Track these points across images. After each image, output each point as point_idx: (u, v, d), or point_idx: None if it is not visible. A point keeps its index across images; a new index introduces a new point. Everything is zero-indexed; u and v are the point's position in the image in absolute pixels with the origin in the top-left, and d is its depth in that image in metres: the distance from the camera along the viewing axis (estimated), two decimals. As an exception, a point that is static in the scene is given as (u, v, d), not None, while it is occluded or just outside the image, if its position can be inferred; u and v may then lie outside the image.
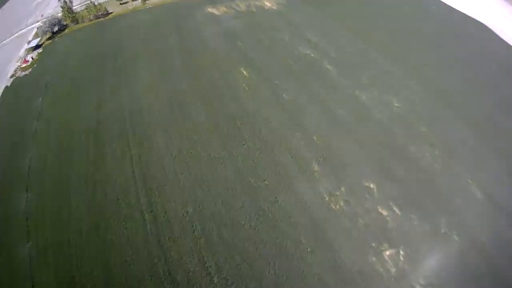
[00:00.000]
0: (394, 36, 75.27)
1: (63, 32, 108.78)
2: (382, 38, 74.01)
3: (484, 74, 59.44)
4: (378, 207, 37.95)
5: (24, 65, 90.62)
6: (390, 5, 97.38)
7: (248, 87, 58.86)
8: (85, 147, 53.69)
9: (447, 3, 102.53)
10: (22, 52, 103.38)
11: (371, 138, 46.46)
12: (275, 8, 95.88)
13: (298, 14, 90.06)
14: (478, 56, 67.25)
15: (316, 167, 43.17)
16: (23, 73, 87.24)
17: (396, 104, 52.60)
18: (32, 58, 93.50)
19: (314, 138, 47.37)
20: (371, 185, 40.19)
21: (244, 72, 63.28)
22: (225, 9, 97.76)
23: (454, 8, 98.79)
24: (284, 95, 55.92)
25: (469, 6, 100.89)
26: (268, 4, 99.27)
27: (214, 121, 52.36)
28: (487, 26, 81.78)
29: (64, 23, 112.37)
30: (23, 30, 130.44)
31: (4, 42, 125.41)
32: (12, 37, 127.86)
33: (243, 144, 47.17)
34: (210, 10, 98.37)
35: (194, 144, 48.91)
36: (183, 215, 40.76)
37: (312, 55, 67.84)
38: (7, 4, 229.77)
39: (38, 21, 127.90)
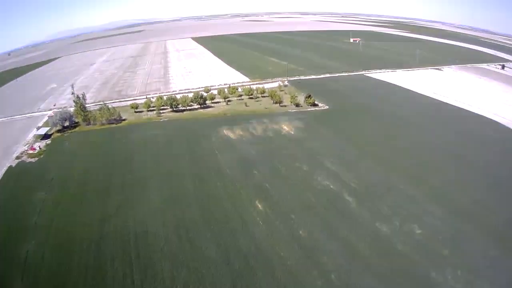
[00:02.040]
0: (413, 156, 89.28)
1: (74, 130, 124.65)
2: (402, 160, 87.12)
3: (505, 179, 74.26)
4: None
5: (31, 151, 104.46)
6: (406, 120, 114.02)
7: (262, 221, 66.49)
8: (85, 259, 59.25)
9: (464, 107, 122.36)
10: (30, 136, 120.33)
11: (391, 271, 53.12)
12: (292, 133, 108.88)
13: (316, 139, 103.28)
14: (498, 158, 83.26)
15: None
16: (29, 159, 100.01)
17: (417, 231, 61.07)
18: (40, 148, 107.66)
19: (332, 276, 53.14)
20: None
21: (259, 206, 71.69)
22: (241, 132, 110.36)
23: (472, 112, 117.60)
24: (300, 232, 63.24)
25: (488, 107, 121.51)
26: (285, 128, 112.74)
27: (225, 256, 58.16)
28: (506, 126, 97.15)
29: (76, 120, 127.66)
30: (34, 113, 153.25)
31: (14, 117, 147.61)
32: (23, 116, 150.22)
33: (255, 284, 52.38)
34: (226, 132, 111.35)
35: (202, 279, 53.93)
36: None
37: (331, 186, 77.54)
38: (21, 78, 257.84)
39: (50, 110, 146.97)
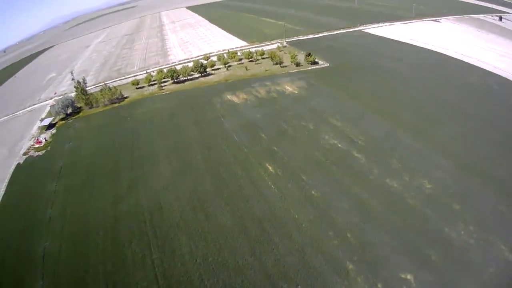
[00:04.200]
0: (417, 110, 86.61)
1: (77, 115, 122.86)
2: (406, 115, 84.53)
3: (510, 133, 72.11)
4: (416, 297, 42.47)
5: (37, 145, 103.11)
6: (407, 74, 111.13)
7: (274, 185, 65.08)
8: (102, 244, 58.57)
9: (464, 60, 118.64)
10: (34, 129, 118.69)
11: (405, 227, 51.83)
12: (296, 92, 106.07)
13: (320, 97, 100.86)
14: (503, 112, 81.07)
15: (350, 266, 47.21)
16: (36, 153, 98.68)
17: (428, 186, 59.37)
18: (45, 140, 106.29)
19: (348, 235, 52.03)
20: (408, 276, 44.33)
21: (270, 168, 70.27)
22: (245, 96, 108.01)
23: (473, 65, 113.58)
24: (312, 192, 61.85)
25: (488, 60, 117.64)
26: (288, 88, 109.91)
27: (241, 223, 57.31)
28: (507, 79, 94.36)
29: (78, 105, 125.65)
30: (35, 105, 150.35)
31: (17, 114, 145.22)
32: (25, 110, 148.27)
33: (273, 249, 51.53)
34: (229, 97, 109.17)
35: (220, 249, 53.17)
36: (212, 328, 44.31)
37: (339, 144, 75.43)
38: (20, 73, 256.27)
39: (51, 98, 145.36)
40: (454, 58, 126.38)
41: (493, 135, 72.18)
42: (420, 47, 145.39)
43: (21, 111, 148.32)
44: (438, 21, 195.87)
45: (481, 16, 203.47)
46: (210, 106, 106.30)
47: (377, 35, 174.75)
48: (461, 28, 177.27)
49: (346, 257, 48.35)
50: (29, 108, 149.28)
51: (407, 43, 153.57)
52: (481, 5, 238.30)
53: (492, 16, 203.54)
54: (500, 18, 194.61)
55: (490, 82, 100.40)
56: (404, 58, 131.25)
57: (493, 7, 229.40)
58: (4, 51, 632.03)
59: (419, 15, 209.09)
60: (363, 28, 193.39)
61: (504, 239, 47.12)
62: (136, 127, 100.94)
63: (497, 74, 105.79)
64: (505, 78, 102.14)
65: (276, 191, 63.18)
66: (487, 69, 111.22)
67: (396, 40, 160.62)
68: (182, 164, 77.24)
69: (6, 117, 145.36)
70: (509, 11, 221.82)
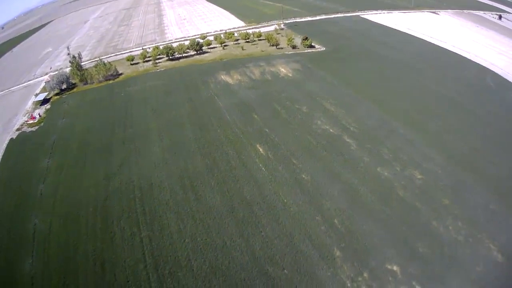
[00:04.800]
0: (412, 100, 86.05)
1: (72, 91, 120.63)
2: (401, 104, 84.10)
3: (502, 130, 72.05)
4: (400, 289, 42.45)
5: (31, 121, 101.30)
6: (403, 64, 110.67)
7: (265, 167, 64.69)
8: (92, 221, 58.21)
9: (462, 54, 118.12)
10: (29, 104, 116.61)
11: (394, 217, 51.82)
12: (290, 75, 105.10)
13: (314, 81, 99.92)
14: (498, 110, 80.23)
15: (337, 253, 47.33)
16: (30, 129, 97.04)
17: (418, 177, 59.26)
18: (39, 115, 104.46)
19: (335, 221, 52.02)
20: (394, 268, 44.54)
21: (261, 150, 69.75)
22: (239, 76, 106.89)
23: (470, 60, 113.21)
24: (303, 176, 61.55)
25: (485, 56, 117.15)
26: (283, 70, 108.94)
27: (230, 205, 57.09)
28: (503, 77, 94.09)
29: (73, 81, 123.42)
30: (31, 81, 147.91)
31: (12, 89, 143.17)
32: (20, 86, 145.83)
33: (261, 231, 51.51)
34: (223, 77, 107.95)
35: (209, 229, 53.14)
36: (197, 306, 44.31)
37: (331, 130, 74.84)
38: (17, 48, 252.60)
39: (46, 74, 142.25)
40: (451, 51, 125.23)
41: (488, 131, 71.80)
42: (417, 37, 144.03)
43: (16, 87, 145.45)
44: (436, 13, 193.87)
45: (480, 13, 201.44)
46: (204, 85, 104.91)
47: (375, 22, 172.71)
48: (459, 22, 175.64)
49: (334, 244, 48.43)
50: (25, 84, 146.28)
51: (404, 32, 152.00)
52: (481, 2, 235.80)
53: (492, 14, 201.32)
54: (500, 17, 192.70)
55: (487, 79, 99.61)
56: (401, 47, 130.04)
57: (493, 5, 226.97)
58: (2, 28, 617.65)
59: (418, 6, 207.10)
60: (361, 13, 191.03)
61: (494, 238, 47.08)
62: (129, 104, 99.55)
63: (493, 71, 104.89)
64: (502, 76, 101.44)
65: (266, 174, 62.87)
66: (484, 65, 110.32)
67: (393, 29, 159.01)
68: (174, 142, 76.46)
69: (2, 92, 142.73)
70: (509, 10, 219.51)
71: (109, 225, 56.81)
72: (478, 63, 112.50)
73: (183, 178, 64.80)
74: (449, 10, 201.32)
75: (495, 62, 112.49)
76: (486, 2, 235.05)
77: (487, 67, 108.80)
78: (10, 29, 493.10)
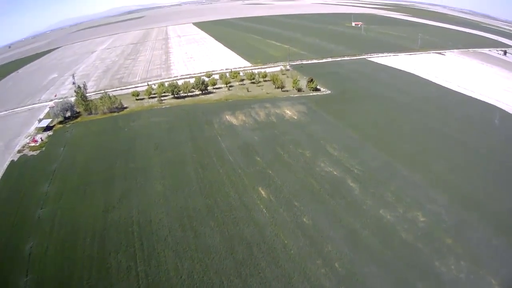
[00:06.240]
0: (417, 141, 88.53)
1: (76, 120, 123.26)
2: (405, 146, 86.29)
3: (508, 167, 74.53)
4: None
5: (33, 144, 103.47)
6: (408, 105, 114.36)
7: (266, 209, 65.55)
8: (89, 251, 58.62)
9: (467, 93, 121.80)
10: (32, 129, 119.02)
11: (396, 260, 52.55)
12: (295, 118, 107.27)
13: (319, 124, 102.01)
14: (500, 146, 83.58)
15: (337, 297, 47.52)
16: (31, 152, 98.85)
17: (421, 219, 60.39)
18: (42, 140, 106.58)
19: (336, 264, 52.51)
20: None
21: (263, 193, 70.75)
22: (244, 117, 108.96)
23: (475, 98, 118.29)
24: (304, 219, 62.33)
25: (490, 93, 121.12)
26: (288, 112, 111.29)
27: (229, 245, 57.47)
28: (509, 112, 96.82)
29: (77, 110, 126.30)
30: (35, 105, 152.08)
31: (16, 110, 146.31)
32: (24, 108, 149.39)
33: (259, 273, 51.73)
34: (228, 118, 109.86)
35: (206, 269, 53.29)
36: None
37: (334, 172, 76.25)
38: (22, 70, 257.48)
39: (51, 100, 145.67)
40: (456, 91, 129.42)
41: (492, 168, 74.21)
42: (423, 78, 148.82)
43: (20, 108, 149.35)
44: (442, 54, 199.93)
45: (486, 50, 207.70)
46: (208, 125, 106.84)
47: (381, 64, 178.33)
48: (465, 61, 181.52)
49: (333, 287, 48.64)
50: (29, 107, 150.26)
51: (410, 74, 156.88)
52: (487, 37, 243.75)
53: (497, 50, 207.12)
54: (505, 53, 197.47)
55: (491, 116, 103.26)
56: (406, 89, 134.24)
57: (499, 40, 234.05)
58: (9, 47, 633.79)
59: (424, 47, 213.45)
60: (368, 56, 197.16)
61: (495, 273, 48.27)
62: (133, 139, 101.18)
63: (499, 107, 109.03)
64: (507, 111, 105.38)
65: (267, 215, 63.61)
66: (490, 102, 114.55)
67: (399, 70, 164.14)
68: (175, 180, 77.47)
69: (5, 112, 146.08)
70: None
71: (105, 256, 57.24)
72: (483, 101, 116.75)
73: (182, 216, 65.42)
74: (454, 50, 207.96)
75: (500, 98, 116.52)
76: (492, 38, 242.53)
77: (493, 103, 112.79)
78: (17, 49, 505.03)
